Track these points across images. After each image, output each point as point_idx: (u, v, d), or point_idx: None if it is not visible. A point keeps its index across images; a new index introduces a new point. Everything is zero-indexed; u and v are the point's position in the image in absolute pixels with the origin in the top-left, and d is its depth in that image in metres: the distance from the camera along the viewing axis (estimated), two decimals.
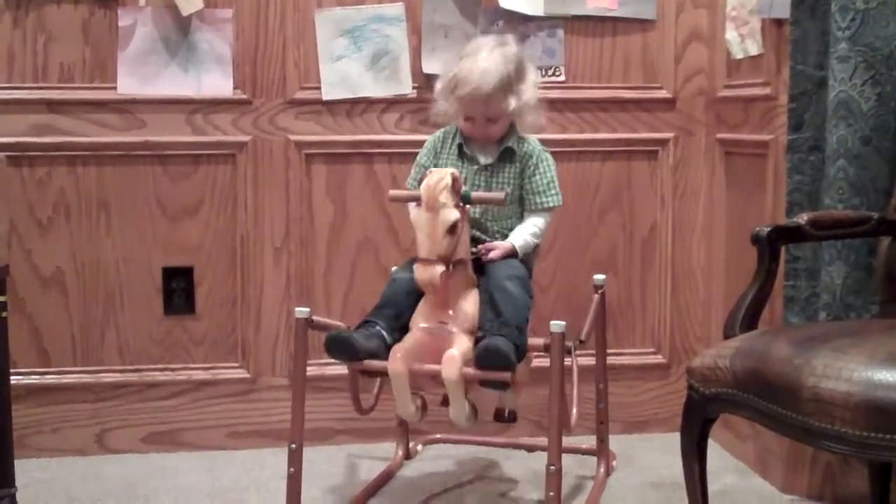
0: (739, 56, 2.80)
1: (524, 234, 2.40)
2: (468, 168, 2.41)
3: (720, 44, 2.91)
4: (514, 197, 2.41)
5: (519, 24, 2.91)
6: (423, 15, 2.89)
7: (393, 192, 2.42)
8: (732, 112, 2.87)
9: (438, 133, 2.50)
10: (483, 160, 2.41)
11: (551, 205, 2.43)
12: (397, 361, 2.16)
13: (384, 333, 2.24)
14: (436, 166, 2.39)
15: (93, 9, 2.81)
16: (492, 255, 2.34)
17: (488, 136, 2.41)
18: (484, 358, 2.14)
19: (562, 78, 2.96)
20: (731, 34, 2.83)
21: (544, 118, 2.49)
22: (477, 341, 2.21)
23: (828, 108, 2.31)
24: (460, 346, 2.19)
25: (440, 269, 2.15)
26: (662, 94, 3.02)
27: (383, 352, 2.20)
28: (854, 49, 2.25)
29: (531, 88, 2.42)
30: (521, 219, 2.44)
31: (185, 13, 2.80)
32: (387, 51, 2.90)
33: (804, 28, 2.40)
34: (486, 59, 2.36)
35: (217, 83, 2.86)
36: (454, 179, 2.19)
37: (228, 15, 2.85)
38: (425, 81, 2.87)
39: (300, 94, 2.90)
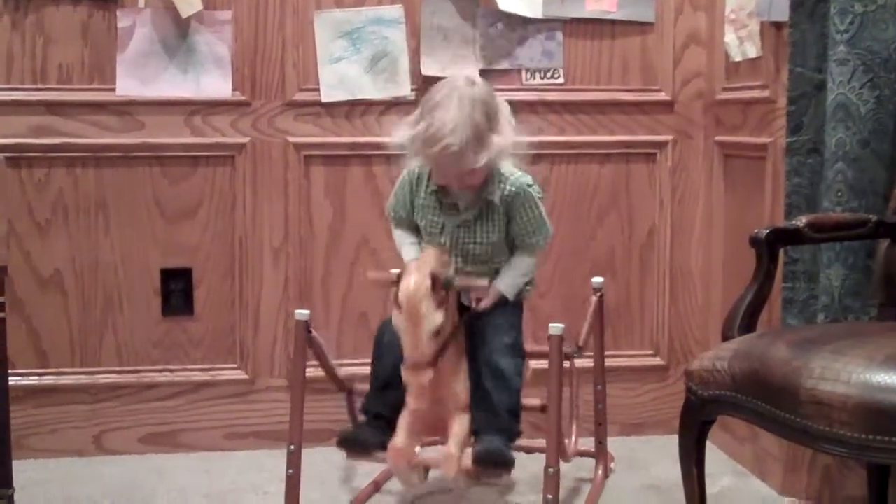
0: (738, 59, 2.80)
1: (512, 277, 2.31)
2: (448, 219, 2.27)
3: (719, 46, 2.91)
4: (501, 239, 2.29)
5: (517, 26, 2.91)
6: (422, 17, 2.89)
7: (371, 275, 2.36)
8: (731, 115, 2.87)
9: (413, 168, 2.31)
10: (462, 206, 2.27)
11: (540, 245, 2.33)
12: (397, 458, 2.21)
13: (390, 421, 2.25)
14: (412, 203, 2.31)
15: (92, 10, 2.81)
16: (482, 304, 2.27)
17: (465, 188, 2.24)
18: (482, 463, 2.15)
19: (560, 80, 2.96)
20: (729, 37, 2.83)
21: (527, 143, 2.26)
22: (472, 423, 2.22)
23: (826, 110, 2.31)
24: (456, 434, 2.20)
25: (428, 374, 2.10)
26: (661, 96, 3.02)
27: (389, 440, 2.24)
28: (853, 52, 2.25)
29: (505, 131, 2.21)
30: (511, 254, 2.33)
31: (184, 15, 2.80)
32: (386, 53, 2.90)
33: (803, 31, 2.40)
34: (453, 110, 2.14)
35: (216, 85, 2.86)
36: (434, 280, 2.08)
37: (227, 17, 2.86)
38: (424, 83, 2.87)
39: (299, 96, 2.90)
